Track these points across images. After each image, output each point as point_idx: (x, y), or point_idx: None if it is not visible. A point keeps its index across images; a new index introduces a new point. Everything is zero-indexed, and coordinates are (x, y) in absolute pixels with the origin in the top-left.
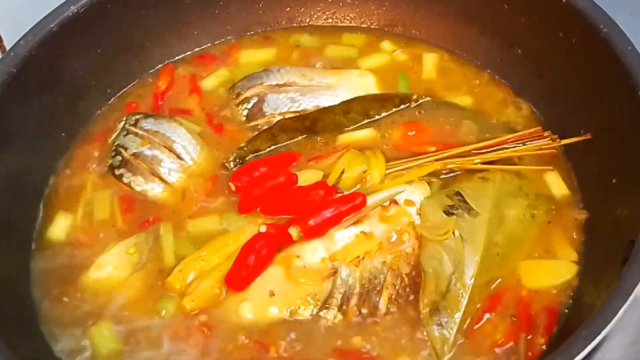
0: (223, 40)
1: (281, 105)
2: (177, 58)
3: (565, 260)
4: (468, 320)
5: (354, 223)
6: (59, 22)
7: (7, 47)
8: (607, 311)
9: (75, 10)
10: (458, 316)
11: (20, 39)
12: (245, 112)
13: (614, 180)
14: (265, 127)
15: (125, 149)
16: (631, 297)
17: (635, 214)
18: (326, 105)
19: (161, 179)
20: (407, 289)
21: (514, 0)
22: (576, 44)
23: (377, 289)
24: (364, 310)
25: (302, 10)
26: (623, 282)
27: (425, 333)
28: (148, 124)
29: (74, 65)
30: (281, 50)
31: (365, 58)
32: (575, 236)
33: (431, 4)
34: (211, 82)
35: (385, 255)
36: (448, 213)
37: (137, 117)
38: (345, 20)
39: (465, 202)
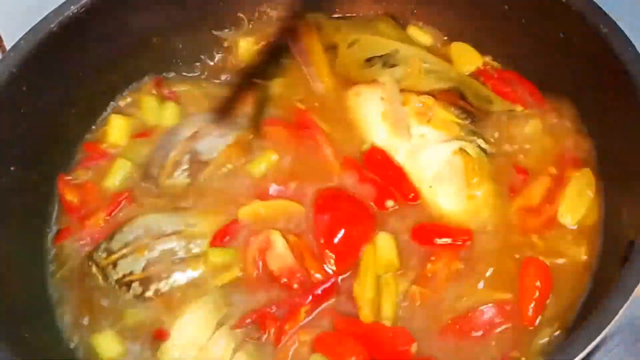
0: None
1: (218, 145)
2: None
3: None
4: None
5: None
6: (59, 22)
7: (7, 47)
8: (607, 311)
9: (76, 10)
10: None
11: (20, 39)
12: (186, 174)
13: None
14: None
15: (132, 273)
16: (631, 297)
17: (635, 214)
18: None
19: (188, 258)
20: None
21: (514, 0)
22: (576, 44)
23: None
24: None
25: None
26: (623, 283)
27: None
28: (120, 240)
29: (74, 66)
30: None
31: None
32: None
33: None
34: None
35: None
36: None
37: (102, 246)
38: None
39: (381, 56)
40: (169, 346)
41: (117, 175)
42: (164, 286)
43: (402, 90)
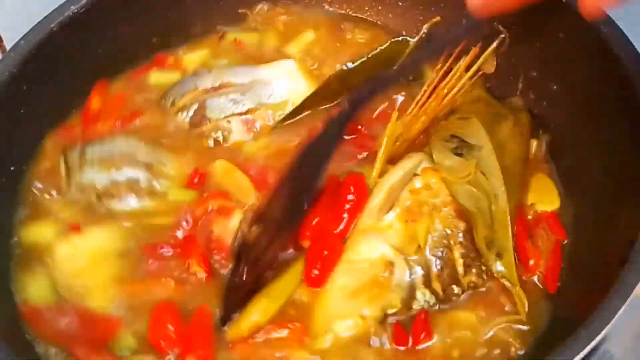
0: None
1: (225, 109)
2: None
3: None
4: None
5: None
6: (59, 22)
7: (7, 47)
8: (607, 311)
9: (76, 10)
10: (510, 243)
11: (20, 39)
12: (187, 120)
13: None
14: (212, 134)
15: (93, 183)
16: (631, 297)
17: (634, 214)
18: (267, 102)
19: (147, 191)
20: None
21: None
22: (576, 44)
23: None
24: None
25: None
26: (623, 283)
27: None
28: (95, 150)
29: (75, 66)
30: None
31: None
32: None
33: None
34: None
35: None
36: (458, 155)
37: (78, 148)
38: None
39: (464, 141)
40: (71, 240)
41: (161, 79)
42: (115, 205)
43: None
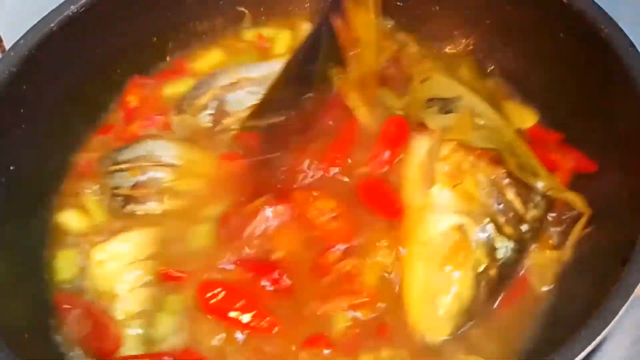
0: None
1: (244, 101)
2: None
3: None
4: None
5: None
6: (58, 22)
7: (7, 47)
8: (607, 311)
9: (76, 10)
10: (535, 159)
11: (20, 39)
12: (208, 118)
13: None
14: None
15: (119, 187)
16: (631, 298)
17: (635, 214)
18: None
19: (168, 190)
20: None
21: (515, 1)
22: (577, 44)
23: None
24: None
25: None
26: (623, 283)
27: None
28: (125, 154)
29: (74, 65)
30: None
31: None
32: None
33: (433, 3)
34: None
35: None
36: (448, 112)
37: (110, 156)
38: None
39: (443, 98)
40: (103, 246)
41: (176, 89)
42: (139, 209)
43: (452, 142)
